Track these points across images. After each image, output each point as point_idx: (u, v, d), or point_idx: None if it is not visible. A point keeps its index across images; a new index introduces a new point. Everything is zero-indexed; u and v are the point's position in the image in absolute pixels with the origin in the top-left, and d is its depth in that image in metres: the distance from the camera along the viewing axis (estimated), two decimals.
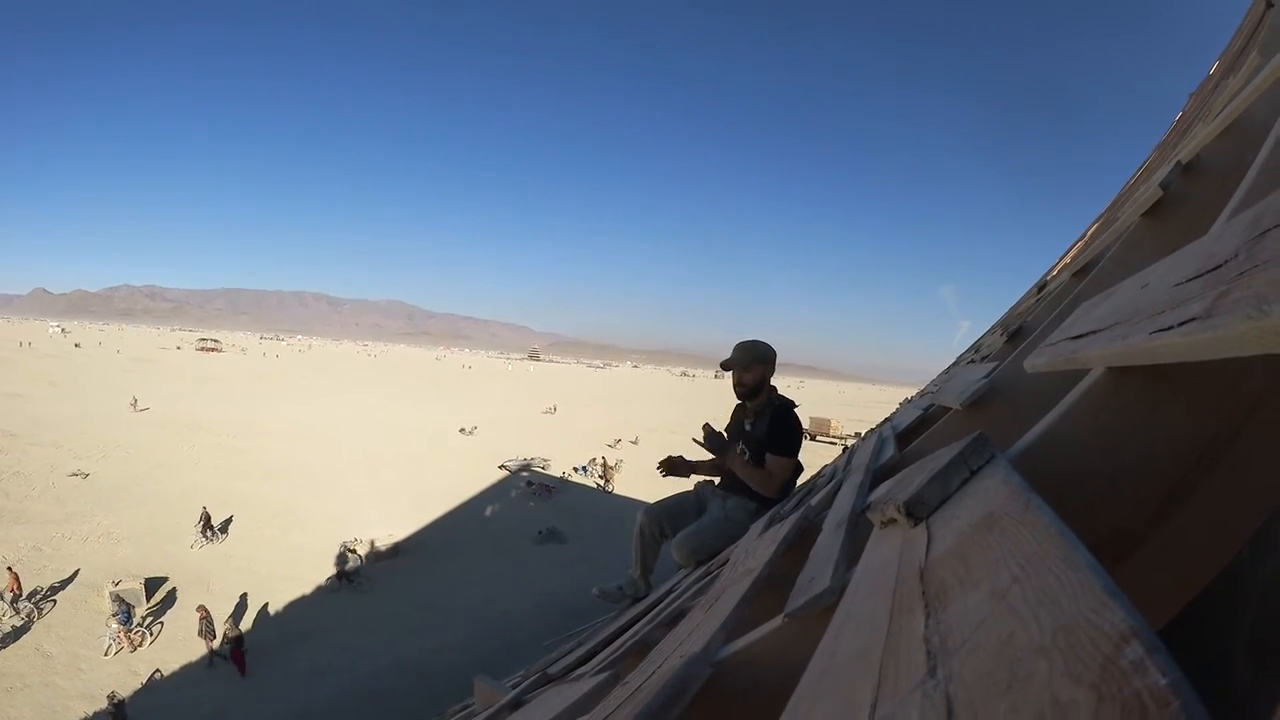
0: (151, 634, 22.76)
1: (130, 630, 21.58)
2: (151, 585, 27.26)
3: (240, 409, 73.30)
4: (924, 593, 0.87)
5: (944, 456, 1.37)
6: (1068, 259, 13.19)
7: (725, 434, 5.97)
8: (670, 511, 5.91)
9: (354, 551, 30.78)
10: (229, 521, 33.99)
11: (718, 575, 3.72)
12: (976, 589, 0.73)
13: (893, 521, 1.40)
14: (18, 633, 22.63)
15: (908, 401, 16.68)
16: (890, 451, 3.78)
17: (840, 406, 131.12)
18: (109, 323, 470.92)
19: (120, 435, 53.88)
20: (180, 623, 24.13)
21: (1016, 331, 5.12)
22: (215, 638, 22.46)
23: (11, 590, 23.20)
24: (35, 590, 25.33)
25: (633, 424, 77.72)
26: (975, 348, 11.09)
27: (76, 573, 28.07)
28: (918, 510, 1.23)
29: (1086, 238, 13.49)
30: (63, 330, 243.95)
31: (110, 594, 25.26)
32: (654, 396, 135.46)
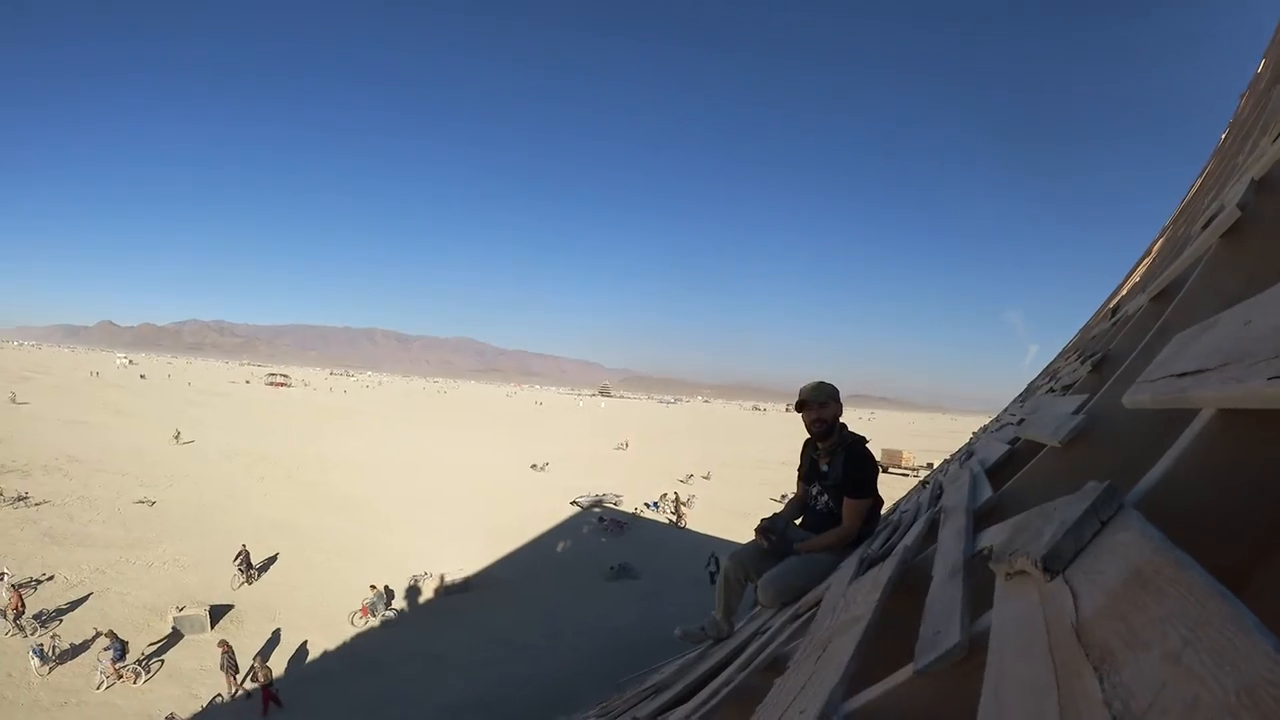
0: (148, 671, 24.00)
1: (122, 666, 22.84)
2: (217, 613, 29.31)
3: (309, 443, 78.48)
4: (1087, 654, 0.94)
5: (1072, 507, 1.43)
6: (1136, 277, 12.93)
7: (798, 474, 6.39)
8: (754, 555, 6.15)
9: (374, 587, 32.11)
10: (272, 560, 35.98)
11: (810, 618, 3.92)
12: (1147, 651, 0.80)
13: (1021, 573, 1.49)
14: (75, 650, 24.75)
15: (983, 431, 16.79)
16: (986, 491, 3.86)
17: (911, 438, 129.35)
18: (177, 356, 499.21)
19: (188, 465, 58.25)
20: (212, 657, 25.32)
21: (1100, 360, 5.17)
22: (238, 672, 23.76)
23: (14, 609, 25.36)
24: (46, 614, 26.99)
25: (704, 459, 79.45)
26: (1051, 374, 11.12)
27: (134, 597, 30.25)
28: (1054, 564, 1.30)
29: (1153, 254, 13.26)
30: (130, 361, 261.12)
31: (172, 618, 27.49)
32: (725, 431, 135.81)
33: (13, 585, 26.92)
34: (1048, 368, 15.10)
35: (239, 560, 32.59)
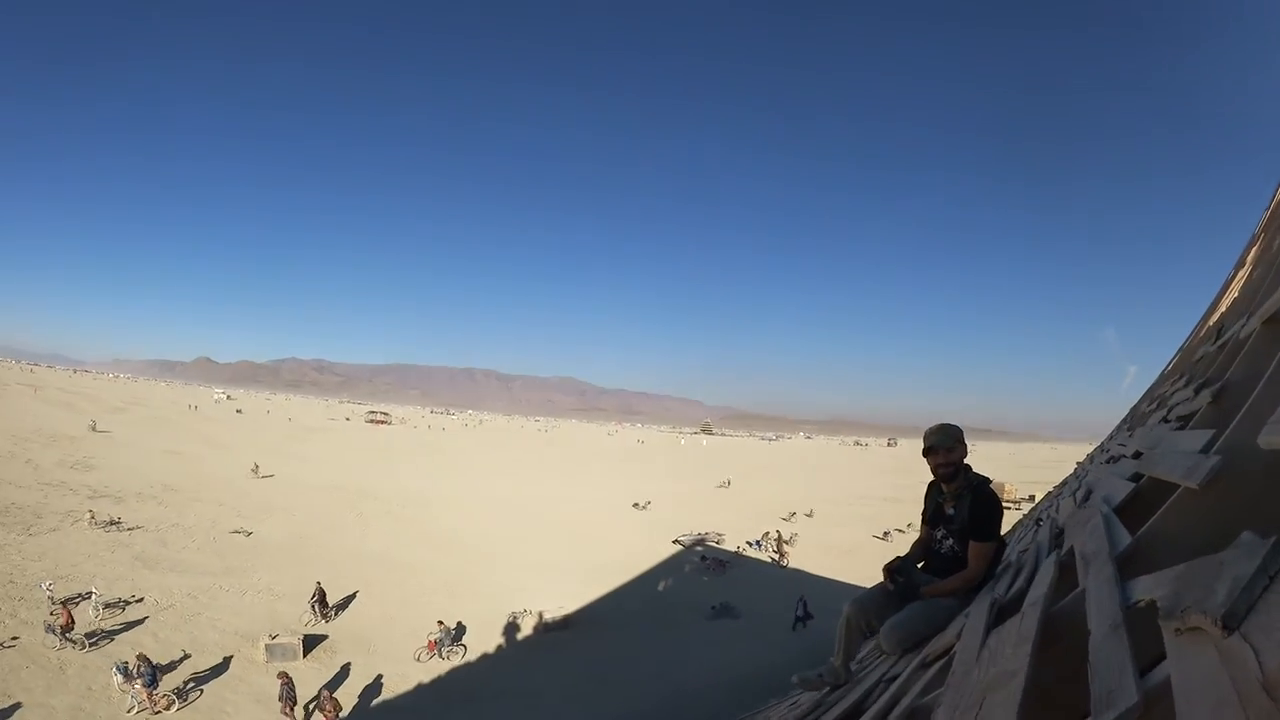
0: (183, 699, 24.02)
1: (154, 692, 23.03)
2: (310, 642, 29.91)
3: (409, 479, 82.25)
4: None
5: (1241, 563, 1.58)
6: (1235, 292, 12.10)
7: (922, 517, 6.69)
8: (877, 601, 6.37)
9: (442, 622, 32.01)
10: (351, 598, 36.38)
11: (944, 667, 4.09)
12: None
13: (1194, 629, 1.57)
14: (168, 668, 25.48)
15: (1090, 462, 16.77)
16: (1122, 535, 3.87)
17: (1013, 469, 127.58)
18: (275, 393, 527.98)
19: (286, 498, 61.34)
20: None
21: (1220, 391, 5.26)
22: (295, 704, 23.81)
23: (64, 624, 26.21)
24: (101, 633, 27.68)
25: (806, 496, 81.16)
26: (1158, 400, 11.17)
27: (226, 623, 31.15)
28: (1232, 621, 1.39)
29: (1248, 264, 12.40)
30: (227, 396, 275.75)
31: (264, 645, 28.13)
32: (826, 468, 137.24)
33: (62, 601, 28.18)
34: (1151, 391, 15.28)
35: (314, 598, 33.12)
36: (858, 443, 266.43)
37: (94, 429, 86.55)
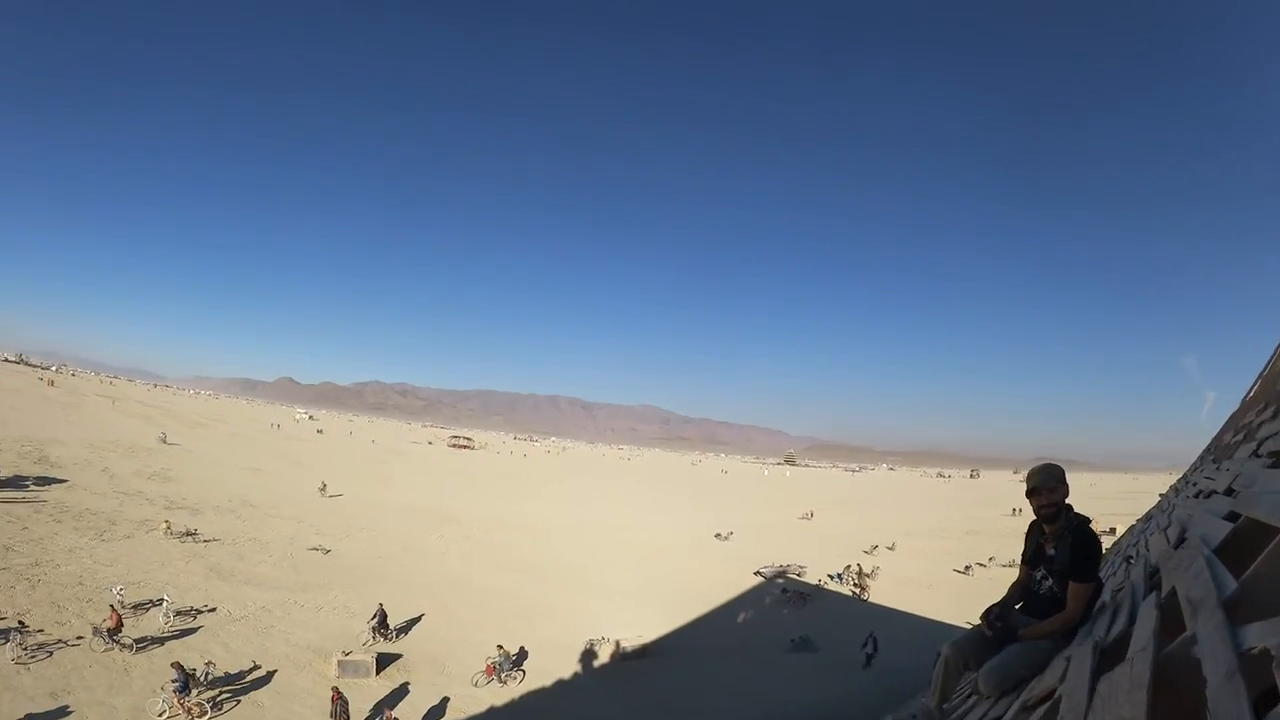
0: (218, 709, 23.87)
1: (186, 700, 22.96)
2: (384, 660, 29.83)
3: (491, 504, 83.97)
4: None
5: None
6: None
7: (1022, 558, 6.68)
8: (975, 643, 6.50)
9: (501, 647, 31.49)
10: (416, 620, 36.21)
11: (1047, 711, 4.20)
12: None
13: None
14: (237, 677, 25.76)
15: (1175, 494, 16.47)
16: (1226, 579, 3.86)
17: (1092, 500, 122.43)
18: (358, 415, 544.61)
19: (365, 518, 62.73)
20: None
21: None
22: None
23: (110, 627, 26.60)
24: (150, 639, 27.75)
25: (889, 529, 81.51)
26: (1246, 433, 10.99)
27: (299, 637, 31.39)
28: None
29: None
30: (309, 416, 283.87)
31: (337, 661, 28.23)
32: (910, 500, 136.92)
33: (111, 605, 28.65)
34: (1235, 420, 15.16)
35: (374, 618, 33.09)
36: (940, 474, 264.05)
37: (164, 441, 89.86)
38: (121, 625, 26.86)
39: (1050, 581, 6.17)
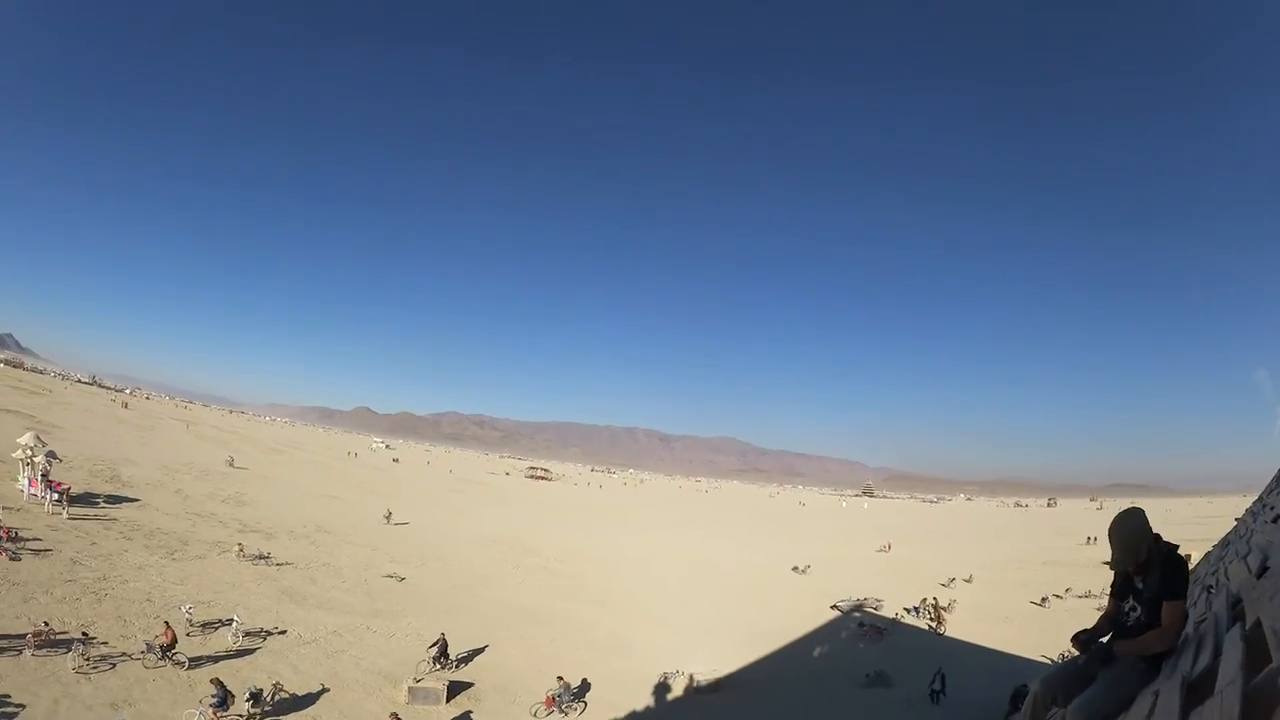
0: None
1: (224, 716, 23.12)
2: (455, 688, 29.66)
3: (568, 535, 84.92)
4: None
5: None
6: None
7: (1110, 590, 6.84)
8: (1064, 679, 6.59)
9: (562, 678, 31.07)
10: (478, 652, 35.87)
11: None
12: None
13: None
14: (304, 699, 25.82)
15: (1252, 519, 16.99)
16: None
17: (1168, 527, 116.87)
18: (435, 445, 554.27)
19: (442, 547, 63.58)
20: None
21: None
22: None
23: (162, 641, 26.76)
24: (206, 658, 27.56)
25: (966, 561, 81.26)
26: None
27: (370, 662, 31.37)
28: None
29: None
30: (386, 445, 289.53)
31: (407, 688, 28.15)
32: (987, 530, 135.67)
33: (166, 622, 28.84)
34: None
35: (435, 647, 32.89)
36: (1018, 504, 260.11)
37: (231, 465, 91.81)
38: (175, 641, 27.15)
39: (1139, 612, 6.31)
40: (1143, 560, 6.25)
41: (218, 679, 24.06)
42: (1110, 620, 6.66)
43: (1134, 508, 6.54)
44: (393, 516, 73.02)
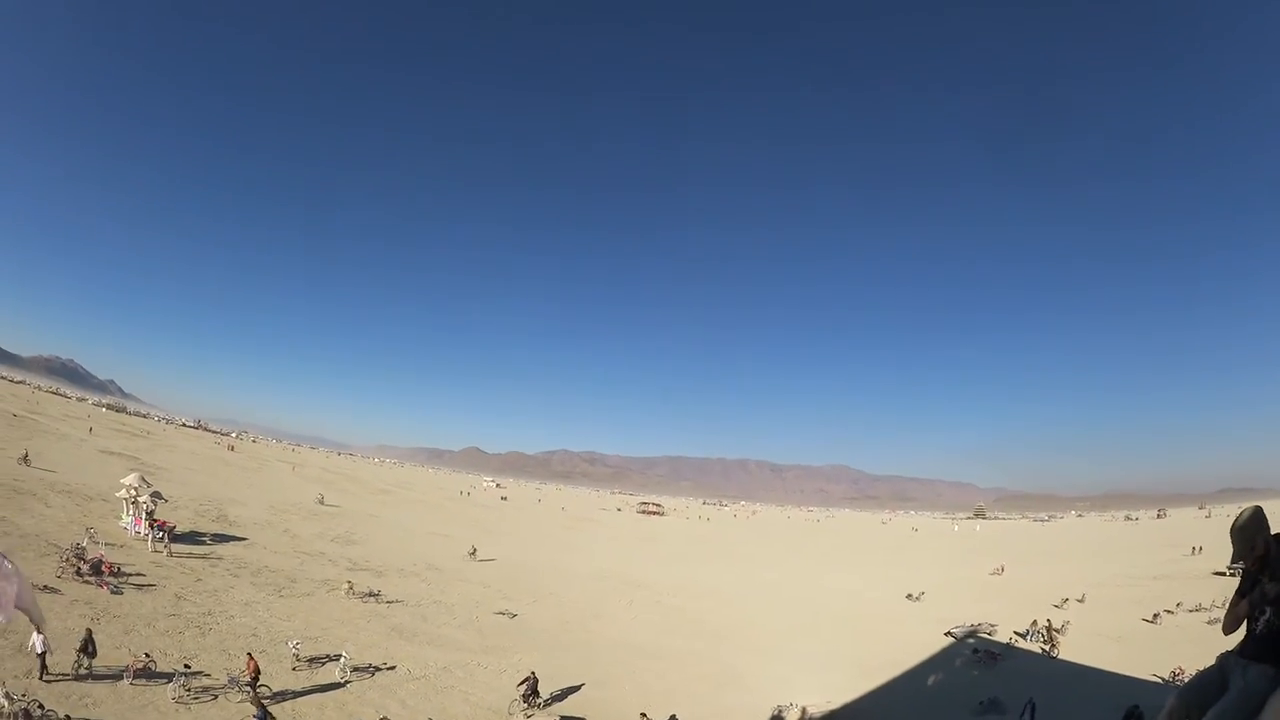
0: None
1: None
2: None
3: (680, 569, 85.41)
4: None
5: None
6: None
7: (1237, 590, 6.65)
8: (1199, 691, 6.41)
9: (644, 715, 30.28)
10: (573, 690, 35.53)
11: None
12: None
13: None
14: None
15: None
16: None
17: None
18: (545, 483, 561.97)
19: (554, 584, 64.16)
20: None
21: None
22: None
23: (248, 673, 26.93)
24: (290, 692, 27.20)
25: (1079, 579, 79.23)
26: None
27: (479, 698, 31.43)
28: None
29: None
30: (496, 484, 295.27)
31: None
32: (1098, 547, 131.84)
33: (249, 654, 29.00)
34: None
35: (524, 685, 32.43)
36: (1128, 517, 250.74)
37: (321, 503, 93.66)
38: (259, 674, 27.35)
39: (1268, 615, 6.17)
40: (1260, 555, 6.25)
41: (258, 698, 24.57)
42: (1237, 623, 6.57)
43: (1254, 505, 6.56)
44: (477, 553, 73.12)
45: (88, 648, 25.32)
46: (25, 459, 62.02)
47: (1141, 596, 65.27)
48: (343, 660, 30.91)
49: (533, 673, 33.56)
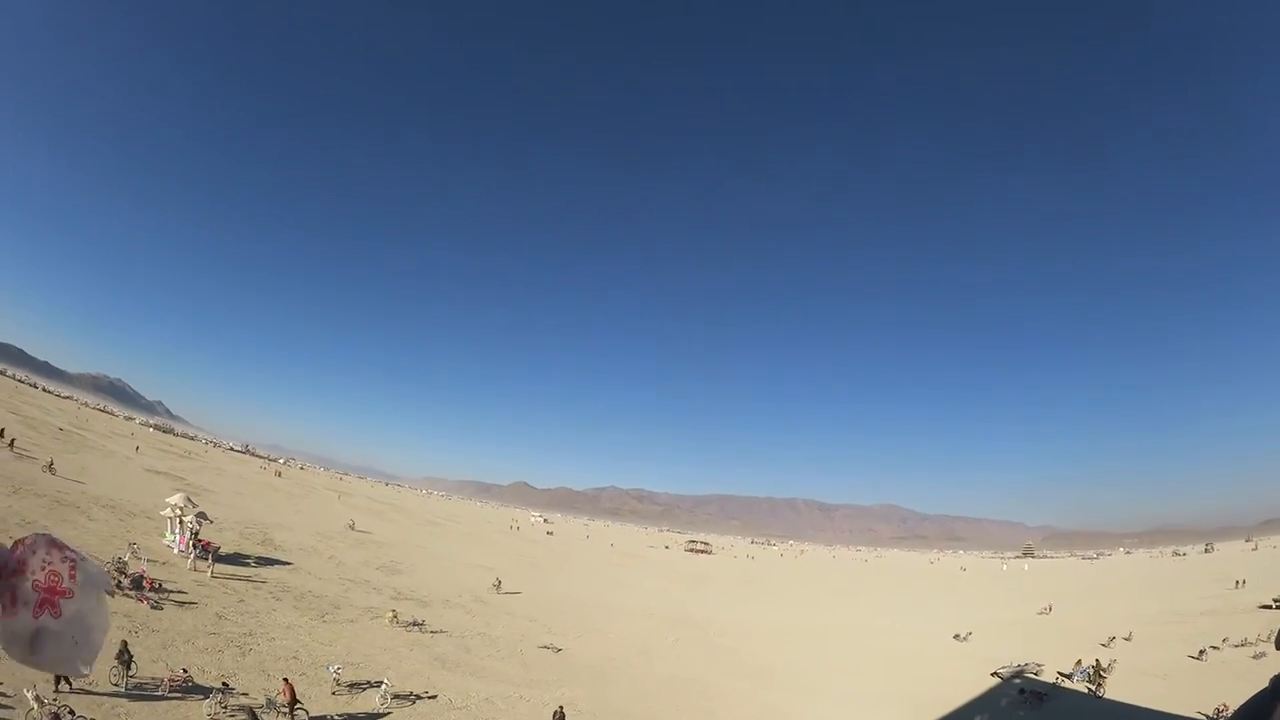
0: None
1: None
2: None
3: (728, 608, 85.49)
4: None
5: None
6: None
7: None
8: (1254, 714, 5.55)
9: None
10: None
11: None
12: None
13: None
14: None
15: None
16: None
17: None
18: (593, 519, 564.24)
19: (600, 619, 64.13)
20: None
21: None
22: None
23: (284, 697, 26.94)
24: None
25: (1126, 617, 78.37)
26: None
27: None
28: None
29: None
30: (544, 519, 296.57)
31: None
32: (1145, 583, 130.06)
33: (285, 679, 28.91)
34: None
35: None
36: (1175, 552, 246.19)
37: (352, 528, 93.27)
38: (295, 699, 27.27)
39: None
40: None
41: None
42: None
43: None
44: (523, 587, 73.06)
45: (123, 658, 25.31)
46: (50, 467, 61.77)
47: (1188, 633, 65.27)
48: (384, 688, 30.85)
49: (560, 708, 33.28)
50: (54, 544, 3.06)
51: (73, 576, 3.04)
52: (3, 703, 21.39)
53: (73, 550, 3.10)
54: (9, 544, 3.03)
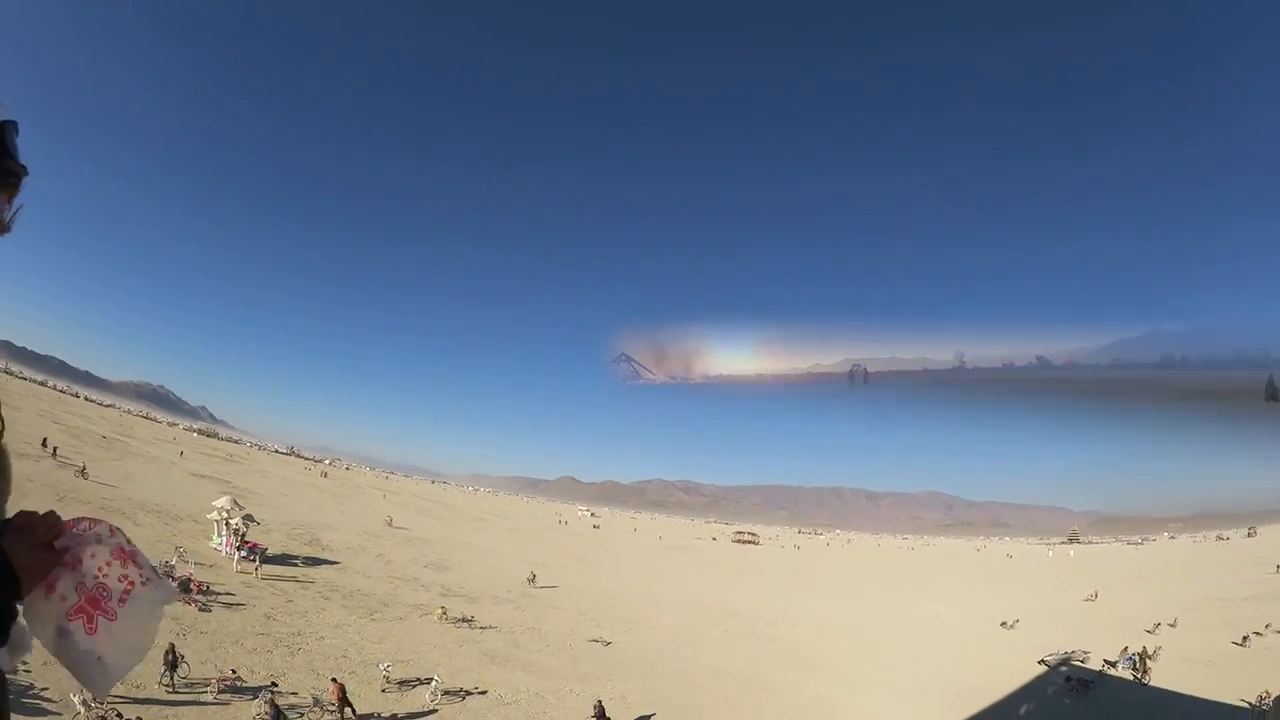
0: None
1: None
2: None
3: (775, 599, 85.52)
4: None
5: None
6: None
7: None
8: None
9: None
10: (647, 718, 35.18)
11: None
12: None
13: None
14: None
15: None
16: None
17: None
18: (640, 512, 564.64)
19: (647, 613, 63.93)
20: None
21: None
22: None
23: (334, 698, 27.05)
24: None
25: (1170, 603, 78.73)
26: None
27: None
28: None
29: None
30: (591, 513, 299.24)
31: None
32: (1190, 568, 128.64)
33: (333, 678, 28.97)
34: None
35: (594, 717, 31.89)
36: (1219, 536, 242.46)
37: (390, 524, 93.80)
38: (345, 698, 27.32)
39: None
40: None
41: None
42: None
43: None
44: (537, 579, 72.75)
45: (170, 659, 25.44)
46: (83, 472, 62.41)
47: (1231, 618, 65.60)
48: (434, 684, 31.02)
49: (599, 702, 33.18)
50: (123, 555, 2.70)
51: (124, 601, 2.68)
52: (50, 709, 21.46)
53: (142, 569, 2.73)
54: (69, 519, 2.71)
